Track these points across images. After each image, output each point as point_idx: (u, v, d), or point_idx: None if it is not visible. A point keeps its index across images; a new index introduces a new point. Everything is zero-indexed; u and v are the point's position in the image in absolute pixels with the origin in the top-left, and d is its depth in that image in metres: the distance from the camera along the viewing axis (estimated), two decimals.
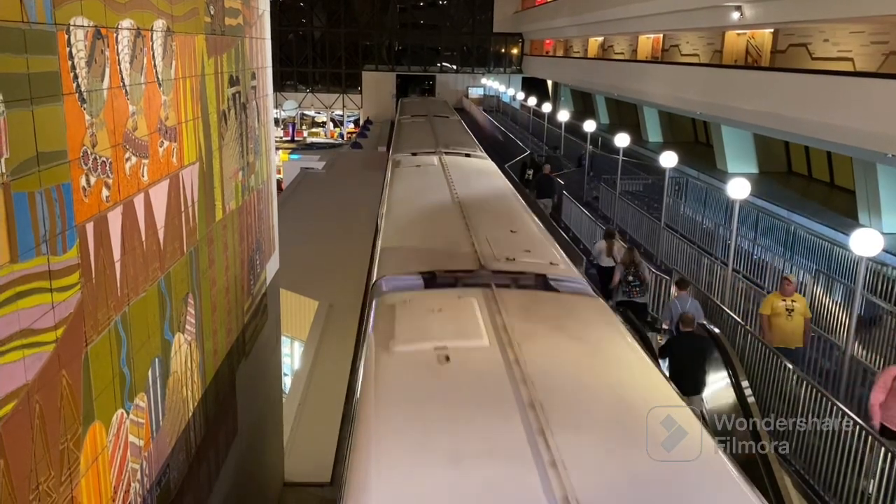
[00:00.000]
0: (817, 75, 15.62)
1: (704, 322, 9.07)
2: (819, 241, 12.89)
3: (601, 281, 10.79)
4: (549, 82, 45.71)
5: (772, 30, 20.52)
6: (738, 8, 18.84)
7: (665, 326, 9.40)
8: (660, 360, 8.00)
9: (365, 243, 17.33)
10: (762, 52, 21.54)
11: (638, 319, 9.77)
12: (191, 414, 4.92)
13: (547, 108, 27.92)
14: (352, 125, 49.82)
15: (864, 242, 7.45)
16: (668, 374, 7.51)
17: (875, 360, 9.10)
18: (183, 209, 4.71)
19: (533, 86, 44.67)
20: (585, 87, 35.09)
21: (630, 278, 10.06)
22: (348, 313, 12.72)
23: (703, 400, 8.15)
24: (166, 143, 4.39)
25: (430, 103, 28.43)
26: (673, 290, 9.75)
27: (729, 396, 7.54)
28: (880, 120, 12.83)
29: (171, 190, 4.47)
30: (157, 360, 4.27)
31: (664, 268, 12.58)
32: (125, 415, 3.81)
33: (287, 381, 11.39)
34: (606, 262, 11.23)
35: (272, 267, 7.56)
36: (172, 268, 4.51)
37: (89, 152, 3.35)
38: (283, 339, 10.34)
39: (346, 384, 10.24)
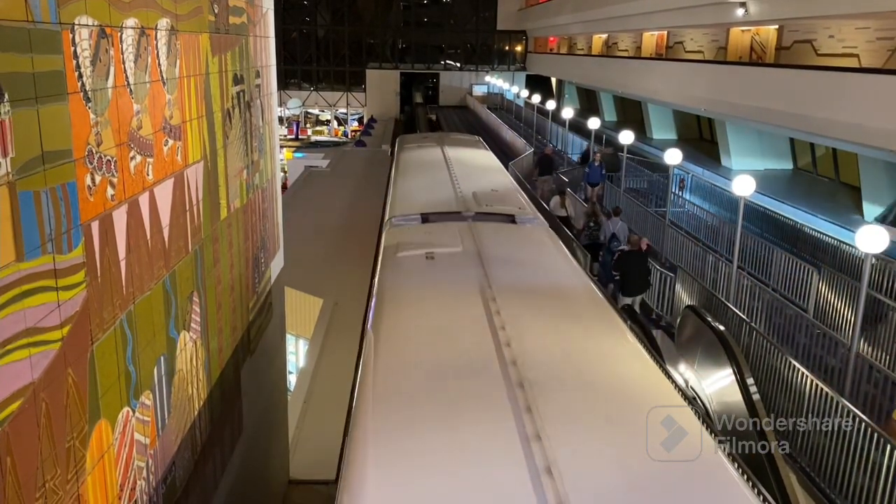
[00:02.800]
0: (822, 71, 15.56)
1: (624, 240, 11.96)
2: (824, 237, 12.86)
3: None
4: (553, 79, 45.61)
5: (776, 26, 20.45)
6: (743, 4, 18.78)
7: (602, 239, 12.67)
8: (614, 273, 10.77)
9: (369, 240, 17.37)
10: (767, 49, 21.47)
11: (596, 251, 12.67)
12: (196, 412, 4.93)
13: (551, 105, 27.88)
14: (356, 123, 49.82)
15: (870, 239, 7.42)
16: (619, 283, 10.62)
17: (881, 357, 9.07)
18: (188, 207, 4.72)
19: (537, 83, 44.51)
20: (589, 85, 35.03)
21: (591, 224, 13.29)
22: (353, 310, 12.73)
23: (643, 300, 10.70)
24: (171, 142, 4.40)
25: (458, 148, 13.04)
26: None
27: (734, 394, 7.51)
28: (886, 116, 12.77)
29: (175, 188, 4.48)
30: (162, 358, 4.28)
31: (669, 265, 12.56)
32: (131, 413, 3.82)
33: (292, 379, 11.40)
34: (560, 212, 14.35)
35: (277, 265, 7.56)
36: (177, 266, 4.52)
37: (94, 151, 3.36)
38: (288, 336, 10.35)
39: (351, 381, 10.25)
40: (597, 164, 17.43)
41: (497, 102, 45.82)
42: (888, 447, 6.04)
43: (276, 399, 7.71)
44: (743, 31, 22.70)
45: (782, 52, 20.39)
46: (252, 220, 6.49)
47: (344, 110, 50.19)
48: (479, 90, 49.11)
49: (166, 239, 4.33)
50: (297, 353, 13.40)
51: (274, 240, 7.49)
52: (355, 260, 15.58)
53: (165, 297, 4.32)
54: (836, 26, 17.82)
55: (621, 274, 10.54)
